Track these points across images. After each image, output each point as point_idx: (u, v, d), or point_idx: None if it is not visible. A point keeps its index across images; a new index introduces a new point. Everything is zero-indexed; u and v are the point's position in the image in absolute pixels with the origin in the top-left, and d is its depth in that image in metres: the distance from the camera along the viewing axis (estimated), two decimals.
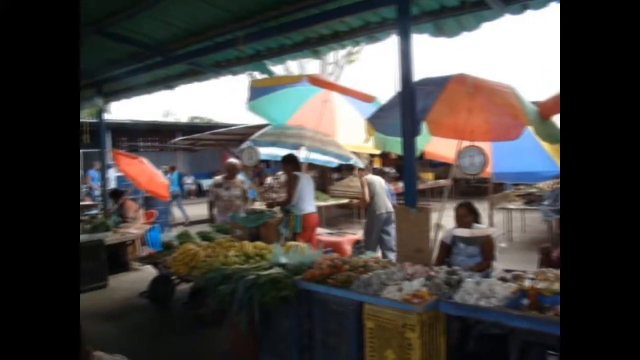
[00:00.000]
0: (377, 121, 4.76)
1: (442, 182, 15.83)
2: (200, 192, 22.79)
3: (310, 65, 19.07)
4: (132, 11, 5.54)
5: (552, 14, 4.79)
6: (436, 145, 5.65)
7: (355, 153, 8.51)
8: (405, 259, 4.25)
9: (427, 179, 15.98)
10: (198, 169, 24.41)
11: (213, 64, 7.21)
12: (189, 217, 14.02)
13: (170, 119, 36.68)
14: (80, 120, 16.98)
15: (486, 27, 4.86)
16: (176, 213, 14.06)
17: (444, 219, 4.60)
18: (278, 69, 8.63)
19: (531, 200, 9.92)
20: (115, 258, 7.88)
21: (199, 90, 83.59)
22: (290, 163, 6.38)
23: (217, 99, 70.85)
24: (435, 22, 4.95)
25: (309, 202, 6.08)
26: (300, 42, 6.06)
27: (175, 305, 6.10)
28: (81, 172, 17.18)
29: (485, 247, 4.54)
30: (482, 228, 4.74)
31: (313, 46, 6.03)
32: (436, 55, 60.86)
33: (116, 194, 9.22)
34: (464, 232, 4.62)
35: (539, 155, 5.16)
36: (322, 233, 7.07)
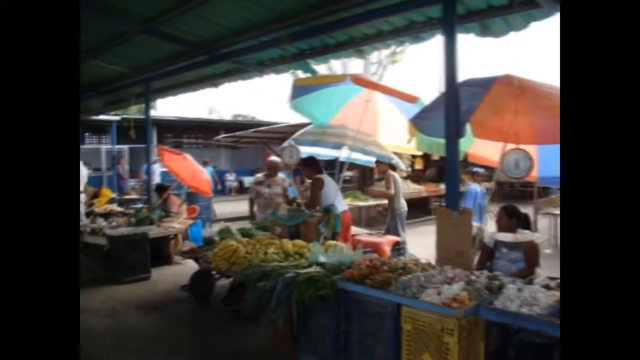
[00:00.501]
0: (420, 122, 4.71)
1: (485, 184, 15.48)
2: (242, 189, 23.09)
3: (353, 65, 19.06)
4: (181, 10, 5.67)
5: None
6: (479, 148, 5.55)
7: (396, 153, 8.47)
8: (445, 262, 4.19)
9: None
10: (240, 166, 24.75)
11: (257, 63, 7.30)
12: (216, 213, 14.12)
13: (214, 116, 37.27)
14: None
15: (534, 26, 4.75)
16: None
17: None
18: (321, 69, 8.64)
19: None
20: (158, 251, 8.07)
21: (242, 88, 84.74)
22: (311, 166, 6.40)
23: (259, 97, 71.67)
24: (482, 21, 4.86)
25: (339, 200, 6.08)
26: (344, 41, 6.06)
27: (215, 300, 6.22)
28: (127, 167, 17.71)
29: (529, 253, 4.42)
30: (526, 233, 4.62)
31: (357, 46, 6.02)
32: (479, 55, 59.74)
33: (161, 189, 9.44)
34: (507, 237, 4.51)
35: None
36: (361, 233, 7.05)
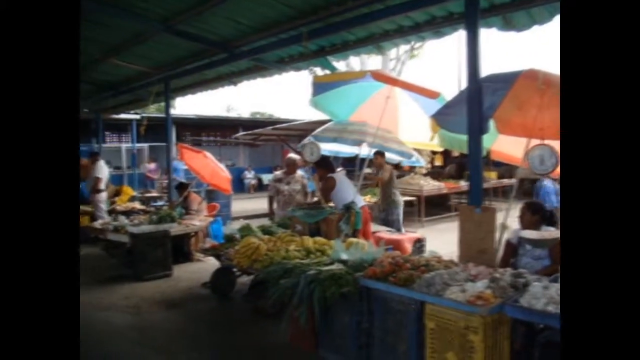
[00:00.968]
0: (442, 118, 4.66)
1: (505, 181, 15.34)
2: (260, 187, 23.17)
3: (372, 61, 19.00)
4: (201, 9, 5.70)
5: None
6: (502, 144, 5.48)
7: (416, 150, 8.43)
8: (468, 259, 4.14)
9: (490, 178, 15.53)
10: (259, 163, 24.83)
11: (277, 60, 7.29)
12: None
13: (232, 114, 37.44)
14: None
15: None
16: None
17: (509, 219, 4.46)
18: (340, 65, 8.63)
19: None
20: (179, 248, 8.13)
21: (259, 85, 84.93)
22: (324, 166, 6.39)
23: (276, 94, 71.82)
24: (505, 15, 4.78)
25: (356, 197, 6.05)
26: (363, 37, 6.02)
27: (236, 297, 6.25)
28: (152, 166, 17.85)
29: (555, 251, 4.35)
30: (551, 230, 4.55)
31: (377, 42, 5.97)
32: (501, 50, 59.06)
33: (181, 187, 9.52)
34: (532, 234, 4.44)
35: None
36: (382, 230, 7.02)
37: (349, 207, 5.67)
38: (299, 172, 7.64)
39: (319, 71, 7.25)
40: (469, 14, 4.30)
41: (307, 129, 10.94)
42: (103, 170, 10.39)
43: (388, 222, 8.19)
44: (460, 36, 5.49)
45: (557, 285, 3.33)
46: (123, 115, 15.96)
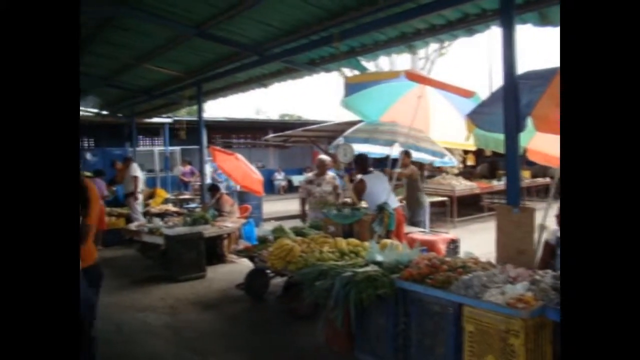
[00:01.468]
0: (477, 117, 4.58)
1: (539, 180, 15.01)
2: (290, 188, 23.25)
3: (400, 61, 18.86)
4: (232, 13, 5.75)
5: None
6: (539, 143, 5.35)
7: (448, 149, 8.32)
8: (506, 260, 4.06)
9: (525, 177, 15.23)
10: (289, 165, 24.92)
11: (307, 62, 7.30)
12: None
13: (262, 116, 37.68)
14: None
15: None
16: None
17: (547, 220, 4.35)
18: (369, 65, 8.58)
19: None
20: (212, 250, 8.21)
21: (287, 88, 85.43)
22: (360, 164, 6.36)
23: (305, 96, 71.94)
24: (541, 10, 4.68)
25: (389, 197, 6.00)
26: (395, 37, 5.98)
27: (269, 298, 6.28)
28: (188, 168, 18.09)
29: None
30: None
31: (408, 41, 5.93)
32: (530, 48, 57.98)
33: (213, 189, 9.62)
34: None
35: None
36: (415, 231, 6.95)
37: (382, 208, 5.63)
38: (330, 173, 7.63)
39: (347, 72, 7.22)
40: (505, 10, 4.22)
41: (337, 130, 10.93)
42: (138, 171, 10.66)
43: (413, 223, 8.06)
44: (490, 32, 5.41)
45: None
46: (155, 119, 16.23)
